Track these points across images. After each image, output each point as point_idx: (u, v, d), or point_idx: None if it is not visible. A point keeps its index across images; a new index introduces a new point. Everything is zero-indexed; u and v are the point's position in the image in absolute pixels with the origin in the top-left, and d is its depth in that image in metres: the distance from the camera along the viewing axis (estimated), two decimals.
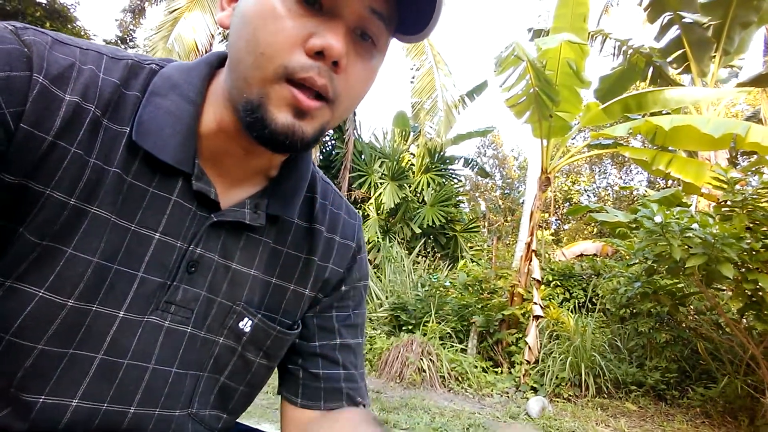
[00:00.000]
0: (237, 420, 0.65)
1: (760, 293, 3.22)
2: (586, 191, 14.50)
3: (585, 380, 4.12)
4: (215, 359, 0.56)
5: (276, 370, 0.64)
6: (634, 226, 3.79)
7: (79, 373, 0.47)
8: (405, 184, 9.60)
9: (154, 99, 0.50)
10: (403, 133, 10.80)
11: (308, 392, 0.61)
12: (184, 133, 0.50)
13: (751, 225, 3.48)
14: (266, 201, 0.56)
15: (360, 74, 0.48)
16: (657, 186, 12.01)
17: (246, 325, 0.56)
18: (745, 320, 3.48)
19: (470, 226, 9.88)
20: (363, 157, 10.02)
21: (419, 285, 6.36)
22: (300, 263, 0.60)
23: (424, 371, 4.38)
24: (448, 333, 5.08)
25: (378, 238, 8.66)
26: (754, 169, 4.09)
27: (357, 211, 0.70)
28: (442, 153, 10.27)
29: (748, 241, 3.15)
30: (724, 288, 3.62)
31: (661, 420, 3.56)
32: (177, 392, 0.53)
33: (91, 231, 0.47)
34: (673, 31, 7.04)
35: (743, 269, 3.19)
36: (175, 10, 7.74)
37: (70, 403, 0.47)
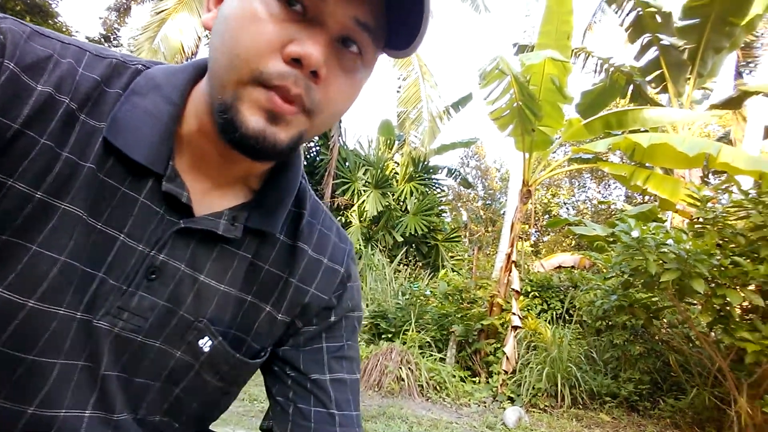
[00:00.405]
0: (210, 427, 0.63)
1: (728, 308, 3.33)
2: (565, 204, 14.78)
3: (561, 391, 4.19)
4: (171, 371, 0.53)
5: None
6: (611, 240, 3.89)
7: (39, 380, 0.45)
8: (388, 192, 9.65)
9: (133, 98, 0.48)
10: (388, 141, 10.87)
11: (297, 430, 0.56)
12: (161, 134, 0.48)
13: (720, 242, 3.60)
14: (246, 214, 0.53)
15: (342, 87, 0.46)
16: (634, 201, 12.31)
17: (205, 344, 0.53)
18: (713, 333, 3.58)
19: (452, 236, 9.97)
20: (347, 164, 10.04)
21: (400, 293, 6.38)
22: (280, 283, 0.57)
23: (403, 380, 4.39)
24: (428, 342, 5.10)
25: (360, 245, 8.66)
26: (724, 187, 4.24)
27: (339, 218, 0.66)
28: (426, 162, 10.36)
29: (718, 257, 3.26)
30: (695, 302, 3.72)
31: (634, 430, 3.64)
32: (114, 396, 0.50)
33: (60, 228, 0.45)
34: (652, 52, 7.28)
35: (713, 284, 3.30)
36: (163, 11, 7.67)
37: (26, 410, 0.45)
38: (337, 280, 0.60)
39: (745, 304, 3.51)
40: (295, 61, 0.42)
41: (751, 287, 3.31)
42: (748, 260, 3.25)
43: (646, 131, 6.56)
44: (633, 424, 3.83)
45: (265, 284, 0.56)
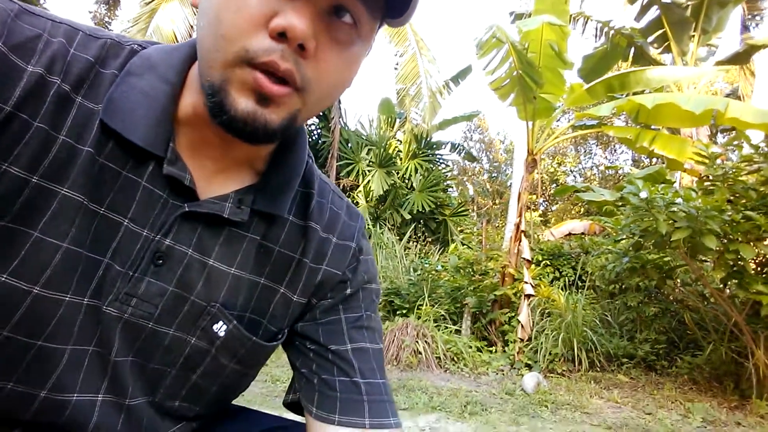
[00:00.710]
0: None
1: (741, 262, 3.34)
2: (572, 172, 14.68)
3: (578, 355, 4.24)
4: (186, 358, 0.53)
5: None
6: (620, 203, 3.88)
7: (49, 365, 0.45)
8: (393, 171, 9.63)
9: (129, 79, 0.47)
10: (389, 119, 10.80)
11: (324, 402, 0.55)
12: (158, 115, 0.47)
13: (731, 198, 3.58)
14: (252, 196, 0.52)
15: (335, 61, 0.44)
16: (641, 164, 12.20)
17: (220, 329, 0.52)
18: (728, 289, 3.60)
19: (459, 210, 9.97)
20: (350, 145, 10.01)
21: (411, 270, 6.42)
22: (293, 264, 0.56)
23: (420, 353, 4.45)
24: (442, 315, 5.15)
25: (368, 225, 8.69)
26: (734, 144, 4.20)
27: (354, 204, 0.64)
28: (428, 139, 10.30)
29: (729, 213, 3.25)
30: (708, 259, 3.73)
31: (652, 389, 3.69)
32: (126, 381, 0.50)
33: (60, 214, 0.44)
34: (653, 12, 7.13)
35: (725, 240, 3.30)
36: (152, 1, 7.58)
37: (39, 393, 0.46)
38: (349, 255, 0.59)
39: (759, 258, 3.51)
40: (281, 36, 0.40)
41: (765, 242, 3.31)
42: (761, 214, 3.24)
43: (650, 92, 6.47)
44: (651, 382, 3.88)
45: (277, 266, 0.55)
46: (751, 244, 3.25)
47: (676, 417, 3.03)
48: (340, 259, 0.58)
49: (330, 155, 9.51)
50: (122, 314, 0.48)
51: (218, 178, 0.51)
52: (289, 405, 0.62)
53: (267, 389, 3.49)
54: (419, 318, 5.00)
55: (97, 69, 0.46)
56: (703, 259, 3.72)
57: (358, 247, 0.60)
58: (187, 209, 0.49)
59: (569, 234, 7.78)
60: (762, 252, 3.31)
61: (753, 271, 3.43)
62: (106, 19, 13.04)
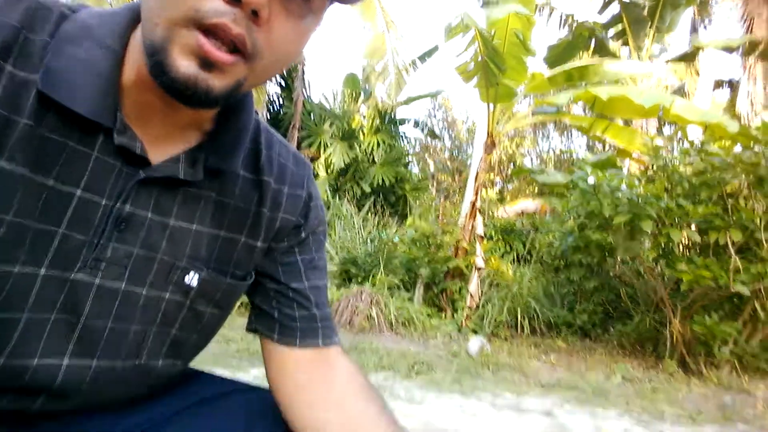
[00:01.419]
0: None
1: (670, 245, 3.67)
2: (529, 154, 15.16)
3: (521, 322, 4.53)
4: (164, 314, 0.54)
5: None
6: (570, 186, 4.13)
7: (4, 333, 0.46)
8: (355, 144, 9.63)
9: (65, 46, 0.45)
10: (354, 94, 10.74)
11: (285, 330, 0.61)
12: (102, 84, 0.45)
13: (668, 187, 3.91)
14: (203, 155, 0.52)
15: (286, 32, 0.44)
16: (595, 150, 12.75)
17: (192, 279, 0.55)
18: (658, 267, 3.95)
19: (419, 186, 10.14)
20: (312, 117, 9.90)
21: (369, 241, 6.55)
22: (250, 215, 0.58)
23: (373, 318, 4.61)
24: (396, 284, 5.32)
25: (328, 196, 8.71)
26: (677, 138, 4.55)
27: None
28: (392, 115, 10.34)
29: (665, 200, 3.56)
30: (643, 240, 4.07)
31: (585, 353, 4.03)
32: (114, 344, 0.52)
33: (1, 187, 0.43)
34: (614, 7, 7.43)
35: (660, 225, 3.61)
36: None
37: None
38: (301, 203, 0.62)
39: (685, 240, 3.88)
40: (235, 0, 0.39)
41: (692, 227, 3.66)
42: (690, 203, 3.57)
43: (607, 84, 6.79)
44: (585, 348, 4.23)
45: (234, 218, 0.57)
46: (680, 228, 3.59)
47: (602, 377, 3.35)
48: (294, 207, 0.62)
49: (291, 125, 9.38)
50: (94, 279, 0.49)
51: (167, 140, 0.51)
52: (252, 330, 0.66)
53: (221, 349, 3.53)
54: (374, 286, 5.15)
55: (24, 35, 0.44)
56: (640, 240, 4.06)
57: (308, 194, 0.64)
58: (143, 176, 0.49)
59: (522, 212, 8.13)
60: (688, 235, 3.66)
61: (679, 253, 3.79)
62: None
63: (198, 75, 0.41)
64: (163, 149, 0.51)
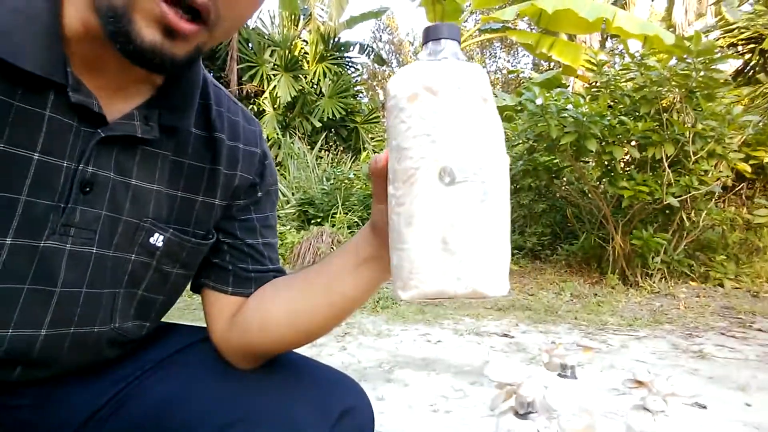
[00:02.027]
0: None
1: (613, 163, 3.83)
2: None
3: None
4: (130, 275, 0.54)
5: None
6: (519, 108, 4.14)
7: None
8: (300, 76, 9.18)
9: None
10: (293, 16, 10.03)
11: (240, 282, 0.62)
12: (44, 36, 0.43)
13: (611, 103, 3.99)
14: (157, 112, 0.52)
15: None
16: (541, 68, 12.74)
17: (157, 240, 0.55)
18: (602, 186, 4.14)
19: (370, 118, 9.93)
20: (251, 45, 9.27)
21: (324, 179, 6.48)
22: (205, 173, 0.58)
23: None
24: (356, 222, 5.38)
25: (277, 134, 8.43)
26: (618, 51, 4.56)
27: (250, 107, 0.65)
28: (336, 39, 9.82)
29: (609, 118, 3.64)
30: (588, 160, 4.21)
31: (536, 275, 4.29)
32: (91, 311, 0.52)
33: None
34: None
35: (603, 143, 3.73)
36: None
37: None
38: (256, 160, 0.63)
39: (626, 157, 4.05)
40: None
41: (632, 143, 3.80)
42: (631, 118, 3.67)
43: None
44: (535, 269, 4.49)
45: (190, 178, 0.57)
46: (622, 146, 3.72)
47: (552, 296, 3.61)
48: (250, 165, 0.62)
49: (229, 57, 8.78)
50: (65, 246, 0.48)
51: (118, 96, 0.50)
52: (199, 286, 0.65)
53: (185, 303, 3.53)
54: (334, 226, 5.19)
55: None
56: (585, 160, 4.20)
57: (262, 153, 0.64)
58: (102, 135, 0.48)
59: None
60: (629, 153, 3.81)
61: (621, 171, 3.96)
62: None
63: (163, 44, 0.41)
64: (115, 106, 0.49)
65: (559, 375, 1.04)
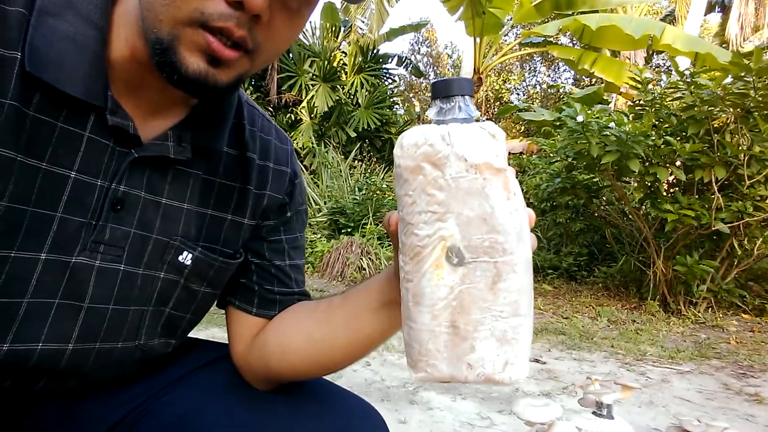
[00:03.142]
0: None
1: (657, 184, 3.66)
2: (516, 89, 14.81)
3: None
4: (158, 293, 0.55)
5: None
6: (558, 124, 4.03)
7: (6, 319, 0.46)
8: (338, 86, 9.29)
9: (47, 20, 0.43)
10: (333, 28, 10.19)
11: (264, 303, 0.62)
12: (92, 63, 0.45)
13: (656, 123, 3.82)
14: (191, 132, 0.53)
15: (285, 26, 0.45)
16: (582, 83, 12.45)
17: (186, 258, 0.55)
18: (643, 207, 3.96)
19: (405, 128, 9.91)
20: (291, 56, 9.45)
21: (356, 189, 6.49)
22: (235, 192, 0.59)
23: (364, 269, 4.67)
24: (386, 233, 5.34)
25: (313, 143, 8.52)
26: (665, 68, 4.39)
27: (288, 115, 0.65)
28: (375, 51, 9.90)
29: (653, 138, 3.48)
30: (630, 180, 4.05)
31: (571, 296, 4.13)
32: (117, 327, 0.53)
33: None
34: None
35: (647, 164, 3.57)
36: None
37: (1, 347, 0.46)
38: (286, 180, 0.63)
39: (671, 179, 3.86)
40: (238, 5, 0.41)
41: (678, 164, 3.62)
42: (678, 139, 3.50)
43: (596, 11, 6.47)
44: (570, 291, 4.33)
45: (221, 196, 0.58)
46: (667, 167, 3.55)
47: (587, 320, 3.46)
48: (280, 184, 0.62)
49: (270, 67, 8.97)
50: (94, 261, 0.49)
51: (154, 116, 0.51)
52: (224, 304, 0.66)
53: (214, 308, 3.59)
54: (364, 236, 5.17)
55: None
56: (627, 180, 4.03)
57: (293, 172, 0.65)
58: (136, 155, 0.49)
59: (509, 153, 8.04)
60: (674, 174, 3.64)
61: (664, 192, 3.78)
62: None
63: (207, 72, 0.43)
64: (150, 126, 0.51)
65: (594, 413, 0.97)
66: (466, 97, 0.38)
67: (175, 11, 0.41)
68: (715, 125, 3.55)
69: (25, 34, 0.43)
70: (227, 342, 0.65)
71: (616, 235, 4.40)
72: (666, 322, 3.39)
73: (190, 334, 0.65)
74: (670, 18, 8.75)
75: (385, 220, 0.44)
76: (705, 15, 6.66)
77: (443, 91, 0.38)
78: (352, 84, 9.46)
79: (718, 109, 3.42)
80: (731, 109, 3.40)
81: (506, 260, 0.35)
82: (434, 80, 0.39)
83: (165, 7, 0.41)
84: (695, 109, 3.46)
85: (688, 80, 3.52)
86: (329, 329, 0.56)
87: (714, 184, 3.39)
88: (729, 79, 3.64)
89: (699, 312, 3.49)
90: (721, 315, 3.51)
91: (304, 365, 0.58)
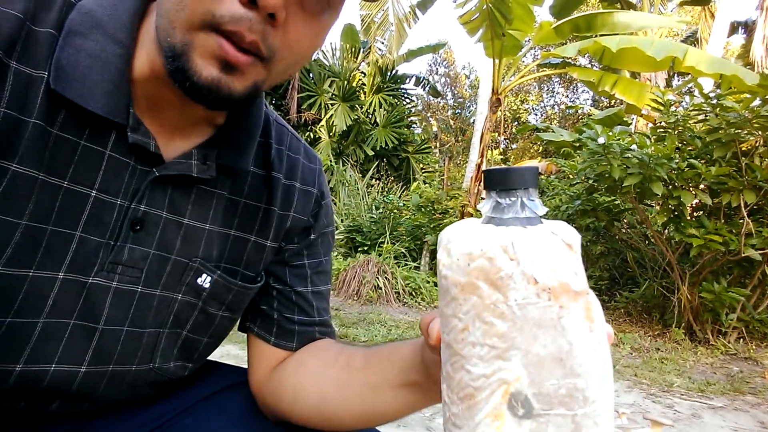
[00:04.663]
0: None
1: (681, 208, 3.57)
2: (534, 110, 14.80)
3: None
4: (175, 315, 0.54)
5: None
6: (578, 145, 3.99)
7: (22, 339, 0.45)
8: (356, 105, 9.40)
9: (74, 39, 0.43)
10: (353, 49, 10.36)
11: (282, 333, 0.60)
12: (114, 80, 0.44)
13: (680, 145, 3.75)
14: (216, 151, 0.52)
15: (303, 30, 0.43)
16: (601, 104, 12.39)
17: (205, 281, 0.54)
18: (667, 231, 3.87)
19: (422, 148, 9.97)
20: (311, 75, 9.62)
21: (373, 207, 6.50)
22: (260, 213, 0.57)
23: (380, 288, 4.63)
24: (402, 252, 5.31)
25: (331, 161, 8.60)
26: (686, 90, 4.33)
27: (307, 133, 0.63)
28: (393, 71, 10.02)
29: (677, 161, 3.42)
30: (652, 204, 3.96)
31: None
32: (131, 350, 0.52)
33: (14, 191, 0.42)
34: None
35: (670, 187, 3.49)
36: None
37: (14, 368, 0.46)
38: (312, 200, 0.61)
39: (695, 202, 3.77)
40: (251, 3, 0.38)
41: (702, 187, 3.53)
42: (703, 162, 3.43)
43: (616, 34, 6.46)
44: None
45: (244, 217, 0.56)
46: (691, 190, 3.47)
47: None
48: (305, 205, 0.60)
49: (291, 86, 9.14)
50: (111, 283, 0.48)
51: (178, 135, 0.50)
52: (245, 329, 0.64)
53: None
54: (380, 255, 5.14)
55: (28, 27, 0.41)
56: (649, 203, 3.95)
57: (320, 192, 0.62)
58: (157, 174, 0.48)
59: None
60: (699, 198, 3.55)
61: (689, 216, 3.69)
62: None
63: (220, 79, 0.41)
64: (174, 144, 0.50)
65: None
66: (530, 189, 0.30)
67: (188, 15, 0.39)
68: (743, 148, 3.48)
69: (53, 54, 0.43)
70: (246, 365, 0.64)
71: (638, 259, 4.29)
72: (693, 352, 3.27)
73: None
74: (691, 39, 8.69)
75: (422, 324, 0.38)
76: (728, 37, 6.60)
77: (501, 182, 0.30)
78: (371, 104, 9.57)
79: (745, 131, 3.35)
80: (760, 132, 3.33)
81: (587, 412, 0.28)
82: (488, 168, 0.32)
83: (177, 11, 0.40)
84: (721, 132, 3.39)
85: (714, 102, 3.46)
86: (344, 396, 0.54)
87: (743, 208, 3.30)
88: (757, 101, 3.57)
89: (729, 342, 3.35)
90: (754, 346, 3.36)
91: (313, 419, 0.57)
